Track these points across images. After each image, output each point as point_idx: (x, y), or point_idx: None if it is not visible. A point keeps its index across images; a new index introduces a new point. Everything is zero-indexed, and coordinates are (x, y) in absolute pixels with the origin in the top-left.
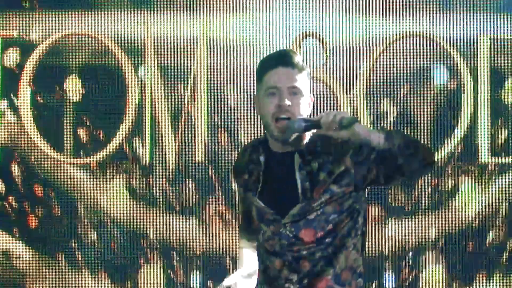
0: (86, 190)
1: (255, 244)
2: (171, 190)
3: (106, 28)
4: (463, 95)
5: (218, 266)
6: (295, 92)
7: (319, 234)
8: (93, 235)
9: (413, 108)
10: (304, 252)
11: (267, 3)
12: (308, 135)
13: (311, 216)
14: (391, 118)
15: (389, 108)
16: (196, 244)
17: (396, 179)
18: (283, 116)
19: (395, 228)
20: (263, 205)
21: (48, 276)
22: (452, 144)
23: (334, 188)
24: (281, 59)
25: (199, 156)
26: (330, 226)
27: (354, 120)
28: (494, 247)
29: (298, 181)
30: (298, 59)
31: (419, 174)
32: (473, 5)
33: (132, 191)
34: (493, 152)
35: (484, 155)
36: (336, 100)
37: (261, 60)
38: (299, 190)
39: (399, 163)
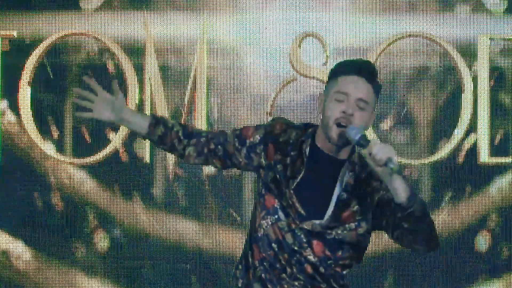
0: (86, 190)
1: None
2: (171, 190)
3: (106, 28)
4: (463, 95)
5: (218, 266)
6: (362, 107)
7: (327, 254)
8: (93, 235)
9: (413, 108)
10: (311, 259)
11: (267, 3)
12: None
13: (329, 236)
14: (391, 118)
15: (389, 108)
16: (196, 244)
17: (399, 241)
18: (344, 124)
19: None
20: (296, 200)
21: (48, 276)
22: (452, 144)
23: (363, 223)
24: (361, 68)
25: None
26: (339, 253)
27: (400, 171)
28: (494, 248)
29: (336, 192)
30: (375, 74)
31: (419, 251)
32: (473, 5)
33: (132, 191)
34: (493, 152)
35: (484, 155)
36: None
37: (340, 62)
38: (333, 202)
39: (410, 238)
